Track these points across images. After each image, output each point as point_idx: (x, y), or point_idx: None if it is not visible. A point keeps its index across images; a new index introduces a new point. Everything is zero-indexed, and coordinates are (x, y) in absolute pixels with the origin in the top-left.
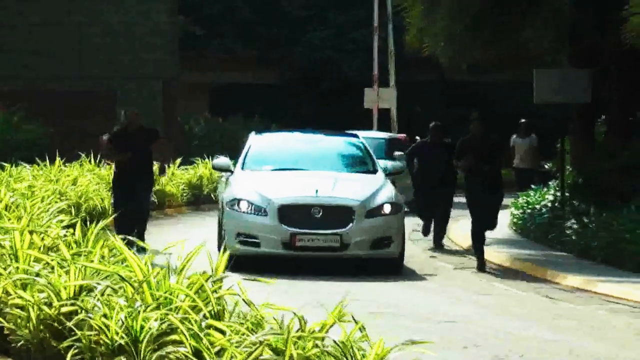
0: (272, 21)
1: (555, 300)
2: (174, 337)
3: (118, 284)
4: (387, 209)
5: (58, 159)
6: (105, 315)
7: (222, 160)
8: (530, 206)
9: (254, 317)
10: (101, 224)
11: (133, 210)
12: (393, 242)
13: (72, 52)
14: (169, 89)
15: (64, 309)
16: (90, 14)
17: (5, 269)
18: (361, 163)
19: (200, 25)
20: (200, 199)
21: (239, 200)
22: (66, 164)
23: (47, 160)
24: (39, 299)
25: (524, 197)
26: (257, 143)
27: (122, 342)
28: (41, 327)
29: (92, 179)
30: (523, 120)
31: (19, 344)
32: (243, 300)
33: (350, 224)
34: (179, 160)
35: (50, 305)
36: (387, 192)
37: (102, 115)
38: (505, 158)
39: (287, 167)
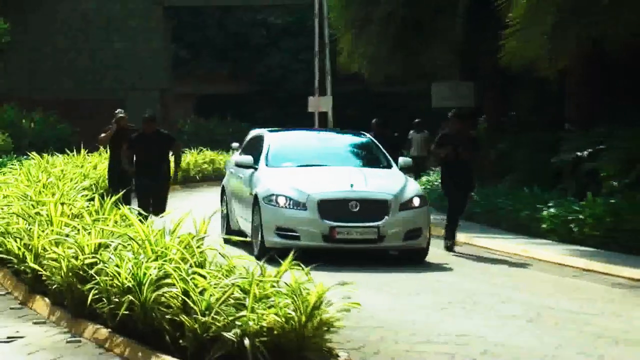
0: (240, 47)
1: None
2: (168, 281)
3: (127, 242)
4: (416, 202)
5: (82, 150)
6: (117, 265)
7: (245, 158)
8: (429, 183)
9: (227, 266)
10: (114, 197)
11: (153, 209)
12: (422, 234)
13: (89, 70)
14: (164, 98)
15: (87, 261)
16: (103, 41)
17: (43, 231)
18: (376, 159)
19: (187, 50)
20: (188, 179)
21: (276, 196)
22: (88, 154)
23: (75, 151)
24: (68, 253)
25: (425, 176)
26: (275, 141)
27: (130, 284)
28: (70, 274)
29: (107, 164)
30: (417, 120)
31: (53, 287)
32: (220, 254)
33: (386, 217)
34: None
35: (76, 258)
36: (414, 186)
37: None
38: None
39: (311, 164)
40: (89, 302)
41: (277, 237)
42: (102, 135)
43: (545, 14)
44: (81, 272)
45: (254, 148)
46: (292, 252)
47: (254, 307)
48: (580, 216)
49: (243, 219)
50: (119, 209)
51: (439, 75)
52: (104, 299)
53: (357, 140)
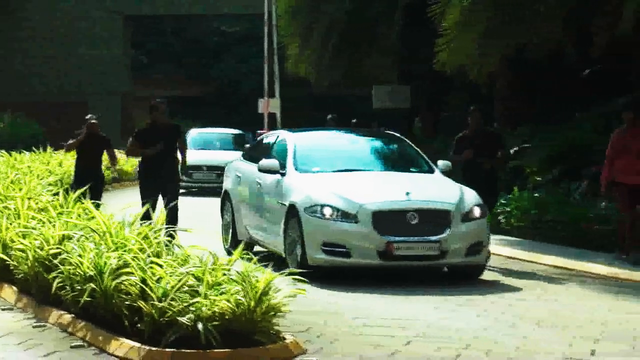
0: (195, 52)
1: None
2: (127, 270)
3: (89, 233)
4: (477, 212)
5: (49, 148)
6: (80, 255)
7: (271, 161)
8: None
9: (183, 256)
10: (78, 192)
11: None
12: (484, 248)
13: (56, 75)
14: (125, 101)
15: (51, 251)
16: (68, 48)
17: (11, 224)
18: (415, 162)
19: (146, 55)
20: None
21: (322, 206)
22: (54, 152)
23: (41, 149)
24: (34, 244)
25: None
26: (302, 143)
27: (92, 273)
28: (36, 264)
29: (72, 162)
30: (354, 120)
31: (20, 276)
32: (175, 245)
33: (448, 230)
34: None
35: (42, 249)
36: (472, 194)
37: (77, 118)
38: None
39: (347, 168)
40: (53, 289)
41: (323, 253)
42: (71, 141)
43: (474, 24)
44: (46, 262)
45: (268, 151)
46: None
47: (207, 293)
48: (508, 209)
49: (263, 231)
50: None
51: (378, 79)
52: (67, 287)
53: (390, 141)
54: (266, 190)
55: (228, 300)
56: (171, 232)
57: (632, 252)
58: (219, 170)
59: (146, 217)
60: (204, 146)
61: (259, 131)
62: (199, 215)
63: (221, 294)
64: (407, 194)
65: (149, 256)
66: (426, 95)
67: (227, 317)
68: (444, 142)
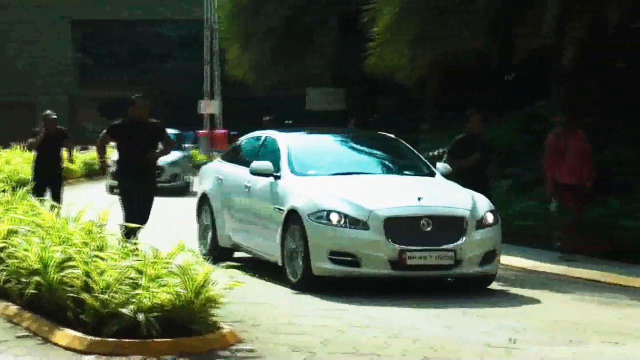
0: (140, 57)
1: None
2: (71, 263)
3: (35, 228)
4: (490, 218)
5: None
6: (25, 249)
7: (264, 164)
8: None
9: (125, 249)
10: (24, 189)
11: (138, 212)
12: (496, 257)
13: (5, 77)
14: (72, 102)
15: None
16: (18, 51)
17: None
18: (415, 165)
19: (92, 59)
20: (92, 174)
21: (328, 212)
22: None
23: None
24: None
25: None
26: (295, 144)
27: (37, 266)
28: None
29: (20, 160)
30: (289, 121)
31: None
32: (117, 239)
33: (463, 237)
34: (78, 147)
35: None
36: (483, 199)
37: (26, 118)
38: None
39: (346, 171)
40: (0, 282)
41: (330, 262)
42: (32, 140)
43: (403, 30)
44: None
45: (255, 153)
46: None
47: (148, 286)
48: None
49: (253, 238)
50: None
51: (314, 82)
52: (13, 280)
53: (386, 142)
54: (257, 194)
55: (168, 292)
56: (134, 231)
57: (565, 248)
58: (158, 169)
59: (130, 221)
60: None
61: (199, 131)
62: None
63: (161, 286)
64: (419, 199)
65: (93, 250)
66: (360, 97)
67: (167, 308)
68: None
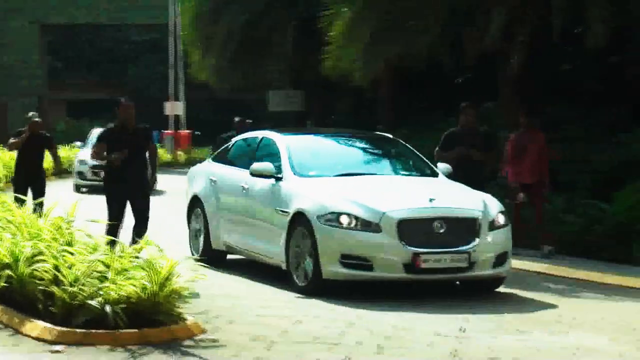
0: (107, 60)
1: None
2: (41, 257)
3: (6, 224)
4: (501, 219)
5: None
6: None
7: (265, 165)
8: None
9: (93, 244)
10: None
11: (135, 224)
12: (508, 259)
13: None
14: (42, 103)
15: None
16: None
17: None
18: (417, 165)
19: (61, 62)
20: (61, 171)
21: (338, 214)
22: None
23: None
24: None
25: None
26: (295, 145)
27: (8, 261)
28: None
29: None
30: (249, 121)
31: None
32: (86, 234)
33: (477, 239)
34: None
35: None
36: (493, 200)
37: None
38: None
39: (349, 172)
40: None
41: (341, 266)
42: (13, 140)
43: (358, 34)
44: None
45: (252, 154)
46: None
47: (115, 279)
48: None
49: (253, 241)
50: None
51: (274, 84)
52: None
53: (386, 143)
54: (256, 196)
55: (134, 285)
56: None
57: (544, 246)
58: None
59: (113, 226)
60: None
61: (164, 131)
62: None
63: (128, 279)
64: (431, 200)
65: (62, 245)
66: (318, 98)
67: (133, 300)
68: None
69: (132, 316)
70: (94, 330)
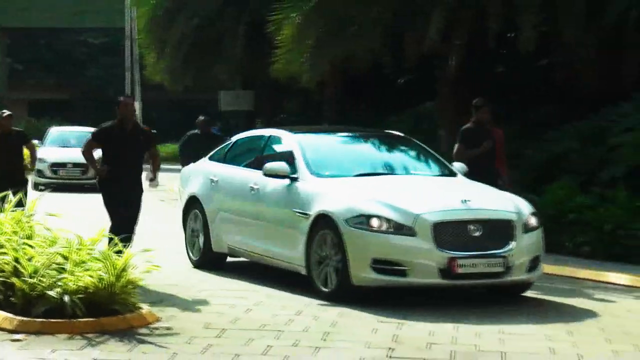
0: (66, 62)
1: None
2: (1, 250)
3: None
4: (533, 221)
5: None
6: None
7: (279, 164)
8: None
9: (52, 237)
10: None
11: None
12: (540, 262)
13: None
14: (1, 103)
15: None
16: None
17: None
18: (435, 164)
19: (21, 63)
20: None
21: (368, 216)
22: None
23: None
24: None
25: None
26: (306, 143)
27: None
28: None
29: None
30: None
31: None
32: (45, 228)
33: (512, 242)
34: None
35: None
36: (522, 201)
37: None
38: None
39: (369, 172)
40: None
41: (373, 272)
42: None
43: (305, 38)
44: None
45: (259, 152)
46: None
47: (73, 270)
48: None
49: (264, 244)
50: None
51: (225, 85)
52: None
53: (398, 141)
54: (269, 197)
55: (91, 276)
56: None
57: None
58: (83, 167)
59: (117, 229)
60: (64, 144)
61: None
62: (99, 213)
63: (85, 270)
64: (464, 201)
65: (22, 238)
66: (267, 99)
67: (90, 290)
68: None
69: (90, 306)
70: (52, 320)
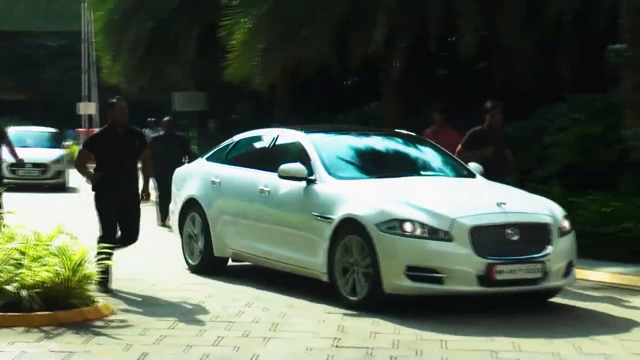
0: (25, 64)
1: None
2: None
3: None
4: (566, 224)
5: None
6: None
7: (296, 166)
8: None
9: (9, 234)
10: None
11: (123, 237)
12: (573, 267)
13: None
14: None
15: None
16: None
17: None
18: (454, 166)
19: None
20: None
21: (401, 221)
22: None
23: None
24: None
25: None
26: (320, 144)
27: None
28: None
29: None
30: (153, 119)
31: None
32: (2, 225)
33: (549, 246)
34: None
35: None
36: (553, 203)
37: None
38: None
39: (390, 174)
40: None
41: (407, 279)
42: None
43: (256, 43)
44: None
45: (261, 153)
46: None
47: (30, 265)
48: None
49: (279, 249)
50: None
51: (179, 86)
52: None
53: (414, 141)
54: (283, 200)
55: (48, 271)
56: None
57: None
58: (42, 167)
59: (108, 238)
60: (23, 144)
61: (78, 129)
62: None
63: (43, 265)
64: (499, 204)
65: None
66: (219, 100)
67: (47, 285)
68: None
69: (47, 300)
70: (10, 314)
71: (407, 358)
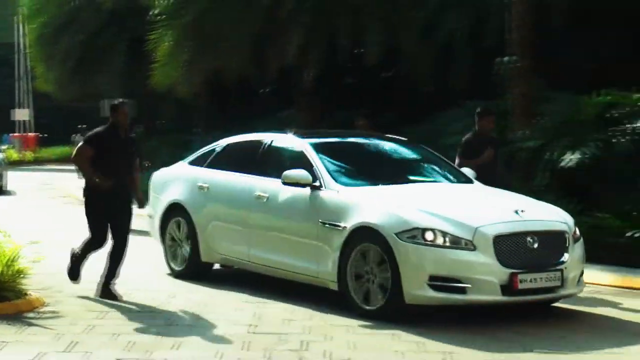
0: None
1: None
2: None
3: None
4: (577, 231)
5: None
6: None
7: (300, 172)
8: None
9: None
10: None
11: (115, 244)
12: (583, 274)
13: None
14: None
15: None
16: None
17: None
18: (450, 171)
19: None
20: None
21: (423, 230)
22: None
23: None
24: None
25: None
26: (321, 149)
27: None
28: None
29: None
30: (83, 125)
31: None
32: None
33: (566, 254)
34: None
35: None
36: (561, 210)
37: None
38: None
39: (398, 180)
40: None
41: (430, 289)
42: None
43: (179, 54)
44: None
45: (254, 158)
46: None
47: None
48: None
49: (278, 256)
50: None
51: (108, 95)
52: None
53: (410, 147)
54: (284, 206)
55: None
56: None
57: None
58: None
59: (97, 244)
60: None
61: (12, 134)
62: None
63: None
64: (517, 212)
65: None
66: (146, 107)
67: None
68: (158, 141)
69: None
70: None
71: None
